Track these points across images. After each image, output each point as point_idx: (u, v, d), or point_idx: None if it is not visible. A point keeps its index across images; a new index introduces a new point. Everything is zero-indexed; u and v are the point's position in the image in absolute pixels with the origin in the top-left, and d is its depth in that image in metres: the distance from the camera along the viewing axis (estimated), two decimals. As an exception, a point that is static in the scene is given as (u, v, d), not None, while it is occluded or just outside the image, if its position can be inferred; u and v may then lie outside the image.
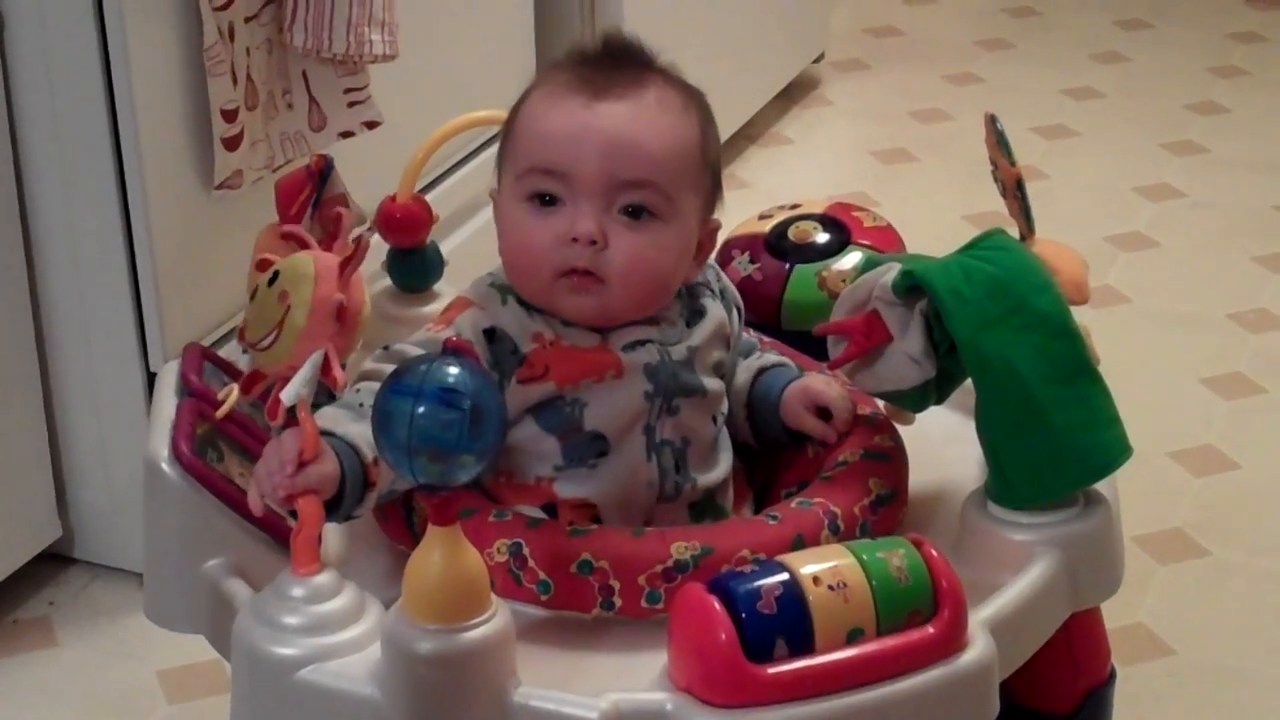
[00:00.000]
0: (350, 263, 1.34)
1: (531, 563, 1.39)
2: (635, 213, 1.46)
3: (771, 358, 1.61)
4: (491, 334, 1.47)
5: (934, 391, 1.49)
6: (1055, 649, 1.50)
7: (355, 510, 1.38)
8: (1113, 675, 1.64)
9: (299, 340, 1.31)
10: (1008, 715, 1.50)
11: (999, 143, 1.59)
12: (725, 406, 1.55)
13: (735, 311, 1.58)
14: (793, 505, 1.44)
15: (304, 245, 1.38)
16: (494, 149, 2.33)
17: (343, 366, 1.41)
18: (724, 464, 1.53)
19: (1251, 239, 3.06)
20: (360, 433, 1.36)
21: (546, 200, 1.47)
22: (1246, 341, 2.74)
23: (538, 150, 1.47)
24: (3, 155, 1.98)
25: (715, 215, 1.54)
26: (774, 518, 1.42)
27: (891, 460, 1.50)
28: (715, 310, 1.54)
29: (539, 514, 1.45)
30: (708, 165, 1.52)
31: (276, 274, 1.35)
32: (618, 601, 1.38)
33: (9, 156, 1.99)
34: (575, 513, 1.46)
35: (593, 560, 1.38)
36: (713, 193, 1.54)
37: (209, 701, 2.00)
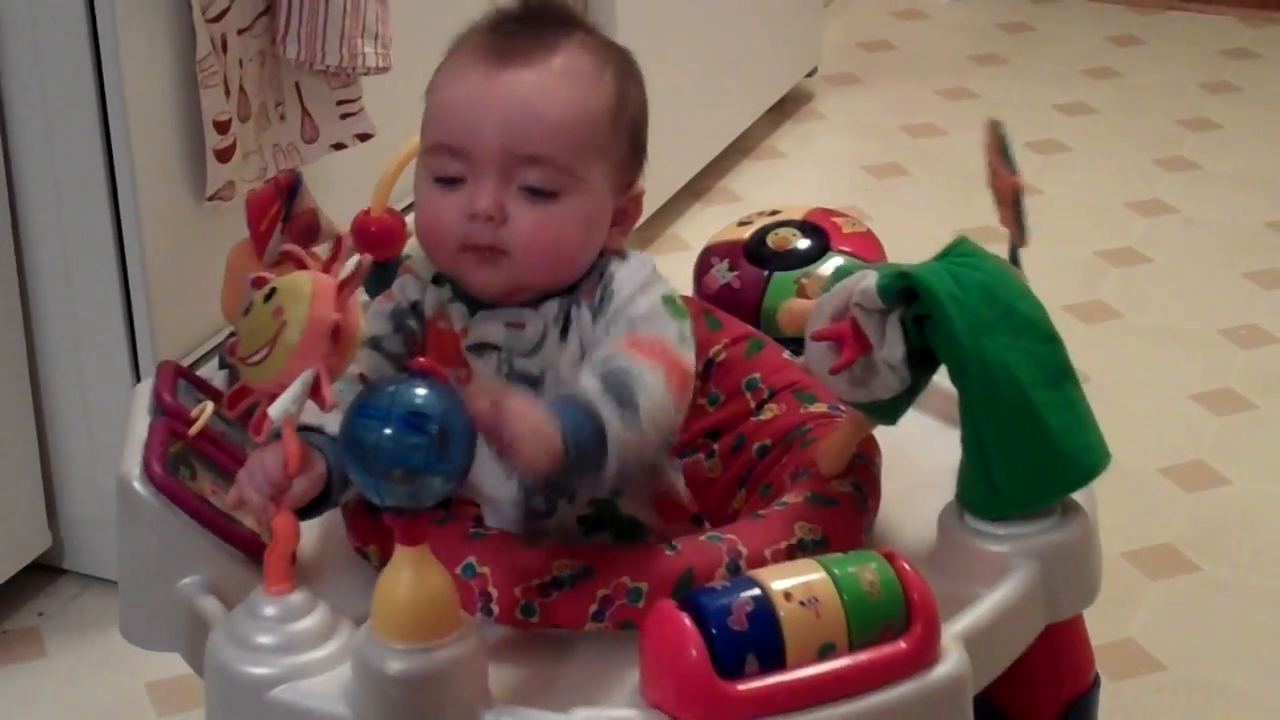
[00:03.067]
0: (349, 285, 1.34)
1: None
2: (533, 192, 1.44)
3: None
4: (415, 307, 1.50)
5: (905, 402, 1.49)
6: (1038, 657, 1.50)
7: (341, 499, 1.39)
8: (1096, 683, 1.63)
9: (290, 358, 1.31)
10: (989, 725, 1.51)
11: (1001, 150, 1.58)
12: None
13: (610, 310, 1.46)
14: (701, 538, 1.42)
15: (301, 265, 1.38)
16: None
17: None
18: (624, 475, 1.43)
19: (1243, 255, 3.06)
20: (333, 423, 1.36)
21: (450, 180, 1.45)
22: (1237, 357, 2.74)
23: (440, 127, 1.47)
24: (-5, 166, 1.98)
25: (639, 180, 1.51)
26: (673, 548, 1.40)
27: (836, 506, 1.47)
28: (583, 324, 1.47)
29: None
30: (621, 130, 1.48)
31: (274, 290, 1.35)
32: (495, 609, 1.38)
33: (1, 168, 1.99)
34: (461, 508, 1.47)
35: (476, 565, 1.39)
36: (631, 157, 1.50)
37: (198, 714, 1.98)
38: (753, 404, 1.63)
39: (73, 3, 1.90)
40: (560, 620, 1.38)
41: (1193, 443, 2.52)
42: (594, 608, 1.38)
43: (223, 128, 1.99)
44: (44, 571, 2.20)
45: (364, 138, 2.18)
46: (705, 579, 1.37)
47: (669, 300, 1.47)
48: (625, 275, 1.47)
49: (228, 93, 1.99)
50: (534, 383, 1.46)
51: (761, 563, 1.38)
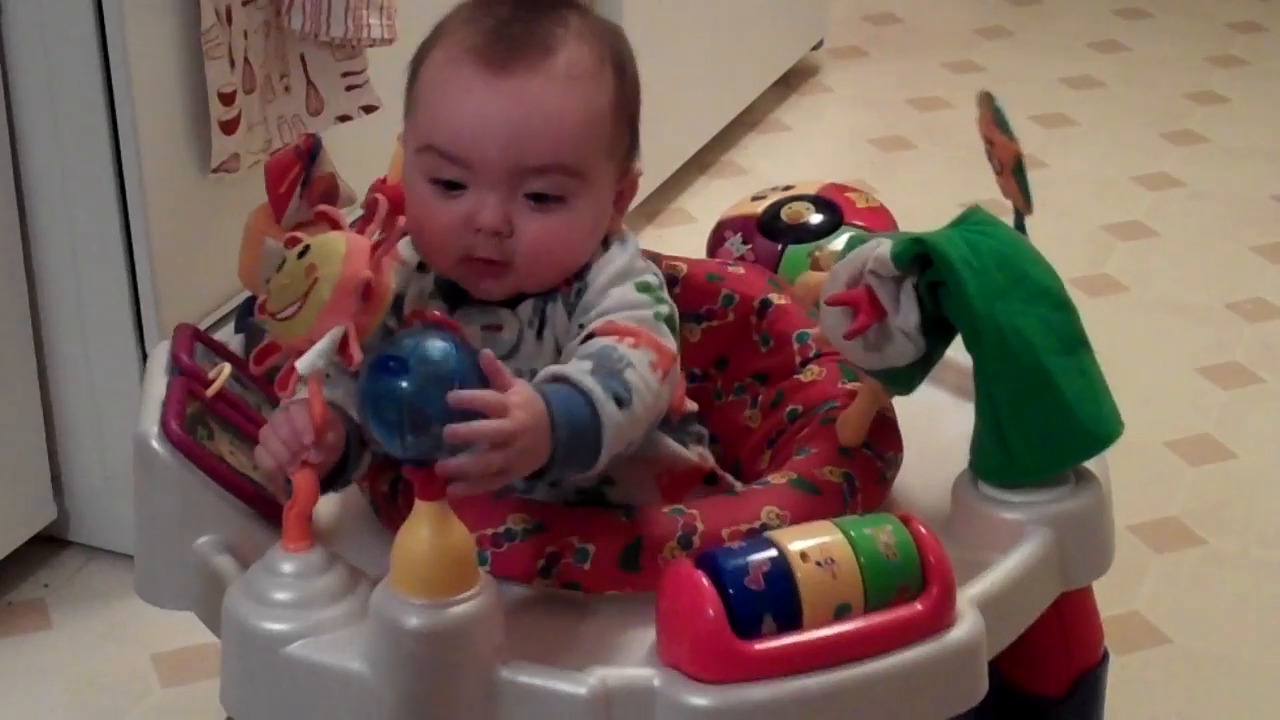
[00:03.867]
0: (382, 245, 1.34)
1: (400, 500, 1.42)
2: (540, 199, 1.41)
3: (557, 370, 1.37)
4: (397, 301, 1.45)
5: (920, 371, 1.48)
6: (1047, 630, 1.50)
7: (356, 474, 1.39)
8: (1105, 657, 1.63)
9: (321, 314, 1.31)
10: (1000, 697, 1.51)
11: (995, 120, 1.58)
12: None
13: (589, 301, 1.44)
14: (664, 510, 1.41)
15: (335, 225, 1.38)
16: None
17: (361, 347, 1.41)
18: (619, 463, 1.41)
19: (1250, 229, 3.05)
20: (345, 395, 1.36)
21: (448, 185, 1.41)
22: (1244, 331, 2.74)
23: (438, 131, 1.41)
24: (-1, 137, 1.98)
25: (637, 161, 1.49)
26: (630, 514, 1.39)
27: (817, 495, 1.44)
28: (558, 319, 1.44)
29: None
30: (622, 122, 1.46)
31: (307, 248, 1.35)
32: None
33: (5, 139, 1.99)
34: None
35: None
36: (631, 143, 1.48)
37: (203, 685, 2.00)
38: (798, 359, 1.62)
39: (77, -26, 1.90)
40: (510, 572, 1.38)
41: (1199, 416, 2.52)
42: (541, 563, 1.38)
43: (227, 99, 1.99)
44: (49, 543, 2.20)
45: (369, 109, 2.17)
46: (654, 549, 1.37)
47: (645, 287, 1.45)
48: (600, 265, 1.45)
49: (232, 64, 1.98)
50: None
51: (717, 541, 1.37)
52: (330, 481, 1.38)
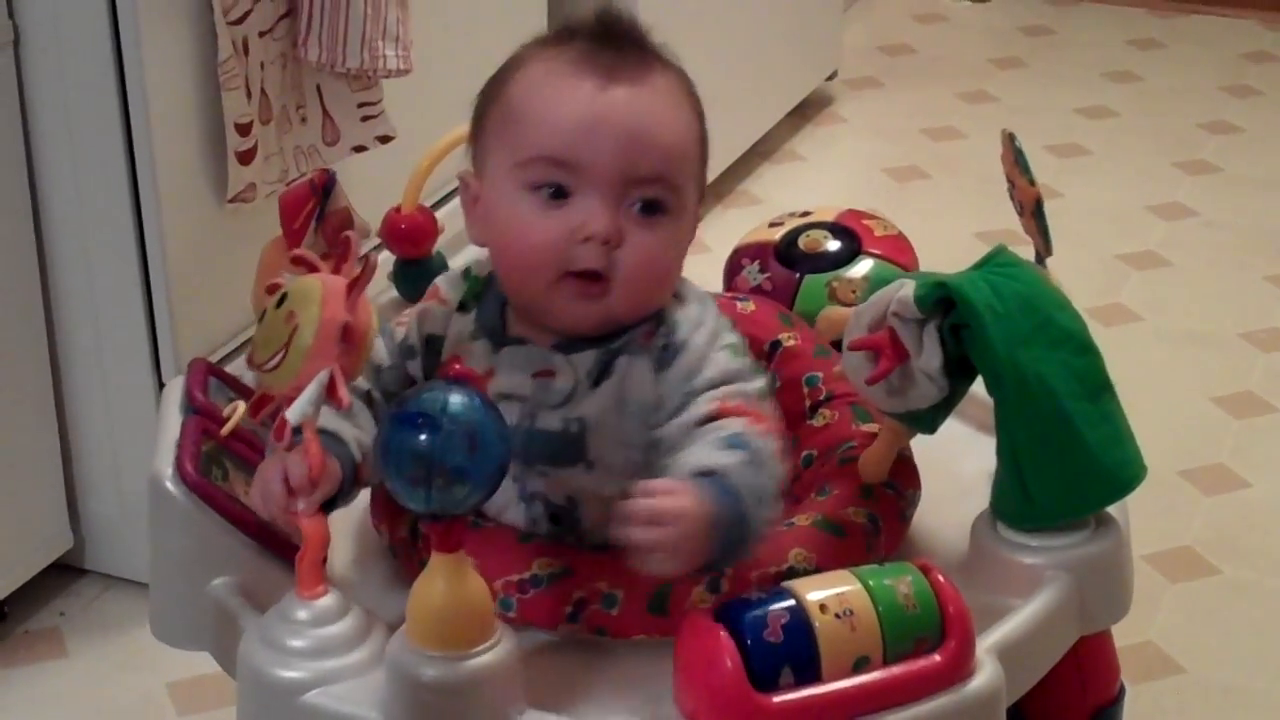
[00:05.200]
0: (357, 284, 1.34)
1: (421, 544, 1.42)
2: (649, 208, 1.39)
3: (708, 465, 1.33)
4: (429, 342, 1.45)
5: (943, 411, 1.48)
6: (1064, 667, 1.50)
7: (343, 504, 1.39)
8: (1121, 693, 1.63)
9: (305, 360, 1.32)
10: (1016, 735, 1.50)
11: (1017, 161, 1.58)
12: (639, 467, 1.39)
13: (682, 362, 1.41)
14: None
15: (312, 269, 1.39)
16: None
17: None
18: None
19: (1264, 258, 3.05)
20: (346, 427, 1.37)
21: (554, 193, 1.38)
22: (1258, 360, 2.74)
23: (547, 137, 1.38)
24: (17, 168, 1.99)
25: (698, 207, 1.48)
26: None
27: (843, 537, 1.43)
28: (636, 371, 1.41)
29: None
30: (703, 155, 1.46)
31: (285, 296, 1.36)
32: None
33: (23, 170, 1.99)
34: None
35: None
36: (704, 182, 1.47)
37: (219, 714, 2.00)
38: (808, 401, 1.61)
39: (95, 6, 1.91)
40: (535, 618, 1.38)
41: (1213, 446, 2.52)
42: (568, 609, 1.38)
43: (244, 130, 1.99)
44: (65, 571, 2.20)
45: (385, 140, 2.18)
46: (683, 594, 1.37)
47: (736, 350, 1.43)
48: (689, 322, 1.42)
49: (249, 95, 1.99)
50: (552, 439, 1.42)
51: (746, 585, 1.36)
52: (329, 506, 1.37)
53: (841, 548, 1.42)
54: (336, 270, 1.37)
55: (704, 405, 1.38)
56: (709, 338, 1.42)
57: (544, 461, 1.42)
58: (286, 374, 1.32)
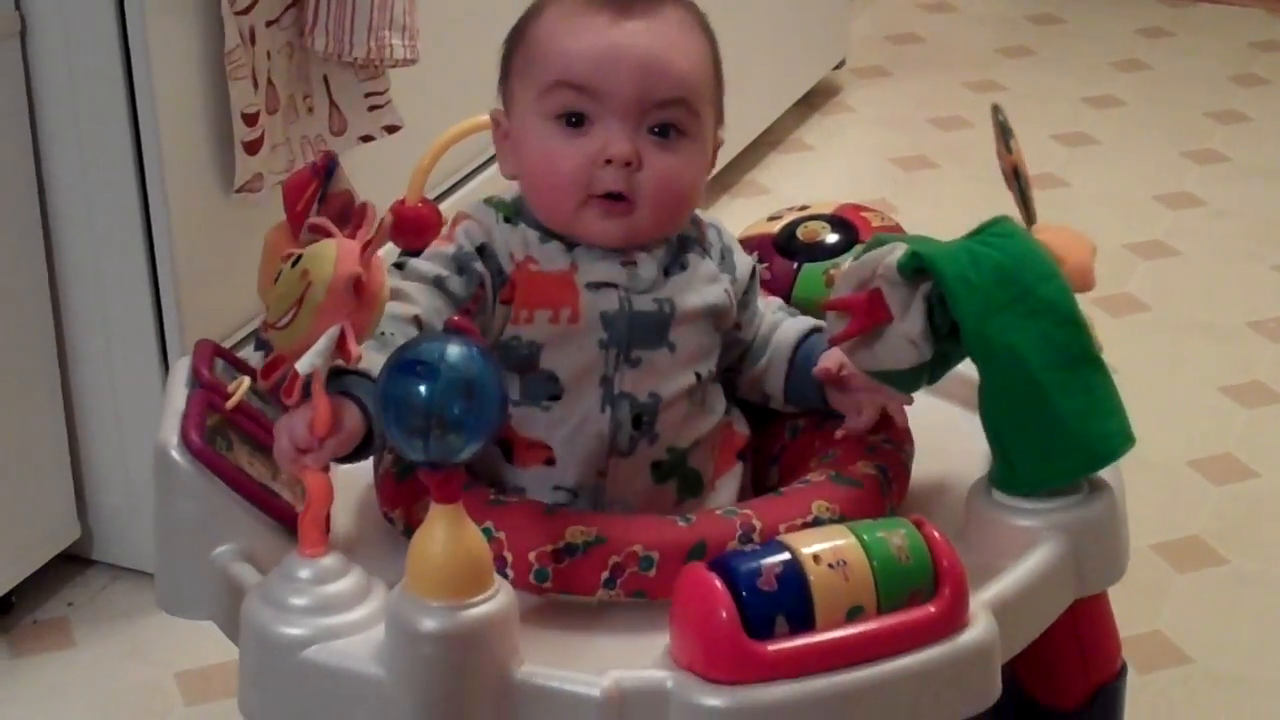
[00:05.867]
0: (371, 244, 1.35)
1: None
2: (665, 131, 1.47)
3: (814, 322, 1.59)
4: (482, 250, 1.49)
5: (927, 374, 1.49)
6: (1064, 643, 1.50)
7: (377, 448, 1.40)
8: (1123, 671, 1.63)
9: (317, 316, 1.32)
10: (1018, 711, 1.50)
11: (998, 132, 1.60)
12: (712, 365, 1.53)
13: (740, 271, 1.57)
14: (717, 512, 1.43)
15: (328, 234, 1.39)
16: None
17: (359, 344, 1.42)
18: (704, 427, 1.52)
19: (1272, 247, 3.05)
20: (380, 360, 1.36)
21: (574, 120, 1.47)
22: (1266, 350, 2.74)
23: (565, 66, 1.47)
24: (25, 158, 1.99)
25: (721, 130, 1.56)
26: (687, 520, 1.41)
27: (860, 488, 1.46)
28: (703, 268, 1.53)
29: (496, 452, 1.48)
30: (719, 80, 1.53)
31: (299, 257, 1.37)
32: (509, 573, 1.38)
33: (31, 160, 2.00)
34: (529, 452, 1.48)
35: (493, 529, 1.39)
36: (721, 109, 1.55)
37: (226, 703, 2.00)
38: None
39: (102, -5, 1.91)
40: (572, 586, 1.39)
41: (1221, 435, 2.52)
42: (605, 575, 1.39)
43: (251, 120, 1.99)
44: (73, 562, 2.21)
45: (392, 130, 2.18)
46: (718, 550, 1.38)
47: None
48: (726, 232, 1.58)
49: (256, 85, 1.99)
50: (648, 320, 1.49)
51: (772, 538, 1.38)
52: (357, 453, 1.38)
53: (860, 497, 1.45)
54: (351, 235, 1.37)
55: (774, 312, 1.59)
56: (737, 249, 1.58)
57: (640, 345, 1.48)
58: (299, 330, 1.33)
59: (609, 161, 1.46)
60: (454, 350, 1.25)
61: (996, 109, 1.61)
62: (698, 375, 1.51)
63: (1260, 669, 2.07)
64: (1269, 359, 2.71)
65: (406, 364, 1.25)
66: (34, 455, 2.09)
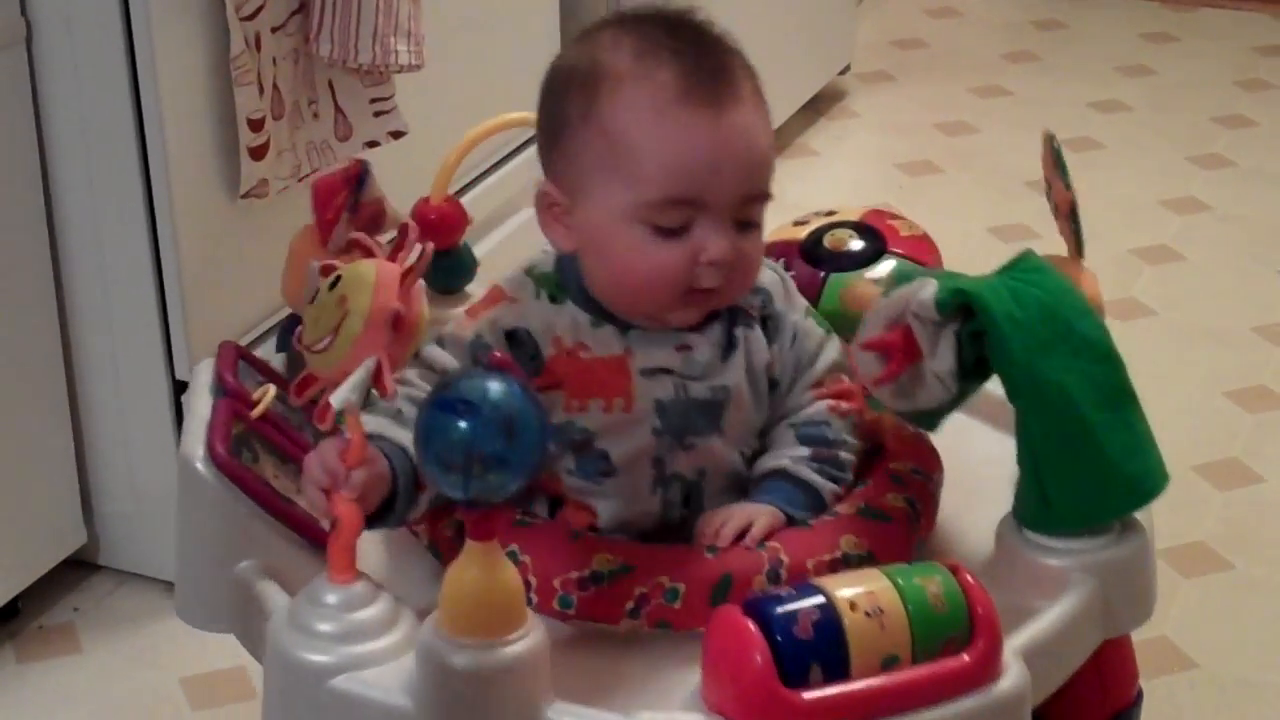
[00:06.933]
0: (412, 274, 1.34)
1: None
2: (750, 222, 1.44)
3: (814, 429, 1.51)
4: (512, 336, 1.45)
5: (947, 411, 1.48)
6: (1084, 670, 1.49)
7: (408, 514, 1.39)
8: (1139, 697, 1.63)
9: (354, 346, 1.32)
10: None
11: (1056, 164, 1.58)
12: (755, 441, 1.51)
13: (785, 335, 1.52)
14: (744, 546, 1.41)
15: (368, 253, 1.38)
16: (529, 153, 2.34)
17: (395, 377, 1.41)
18: (743, 489, 1.50)
19: (1277, 252, 3.05)
20: (408, 437, 1.35)
21: (679, 230, 1.42)
22: (1272, 355, 2.73)
23: (676, 182, 1.40)
24: (30, 164, 1.99)
25: None
26: (713, 551, 1.40)
27: (889, 522, 1.45)
28: (754, 342, 1.49)
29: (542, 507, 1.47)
30: None
31: (339, 278, 1.35)
32: (534, 597, 1.38)
33: (36, 166, 2.00)
34: (577, 514, 1.46)
35: (519, 553, 1.38)
36: None
37: (232, 709, 2.00)
38: None
39: (107, 2, 1.91)
40: (596, 614, 1.38)
41: (1226, 440, 2.52)
42: (630, 605, 1.38)
43: (256, 126, 1.99)
44: (79, 567, 2.21)
45: (397, 135, 2.18)
46: (744, 584, 1.37)
47: (808, 310, 1.55)
48: (775, 289, 1.52)
49: (261, 91, 1.99)
50: (703, 408, 1.46)
51: (803, 573, 1.38)
52: (379, 517, 1.37)
53: (888, 532, 1.44)
54: (392, 258, 1.36)
55: (808, 397, 1.52)
56: (788, 302, 1.53)
57: (694, 432, 1.46)
58: (334, 358, 1.32)
59: (711, 263, 1.41)
60: (495, 387, 1.22)
61: (1051, 137, 1.58)
62: (742, 454, 1.49)
63: (1266, 673, 2.07)
64: (1275, 364, 2.71)
65: (447, 401, 1.22)
66: (40, 461, 2.09)
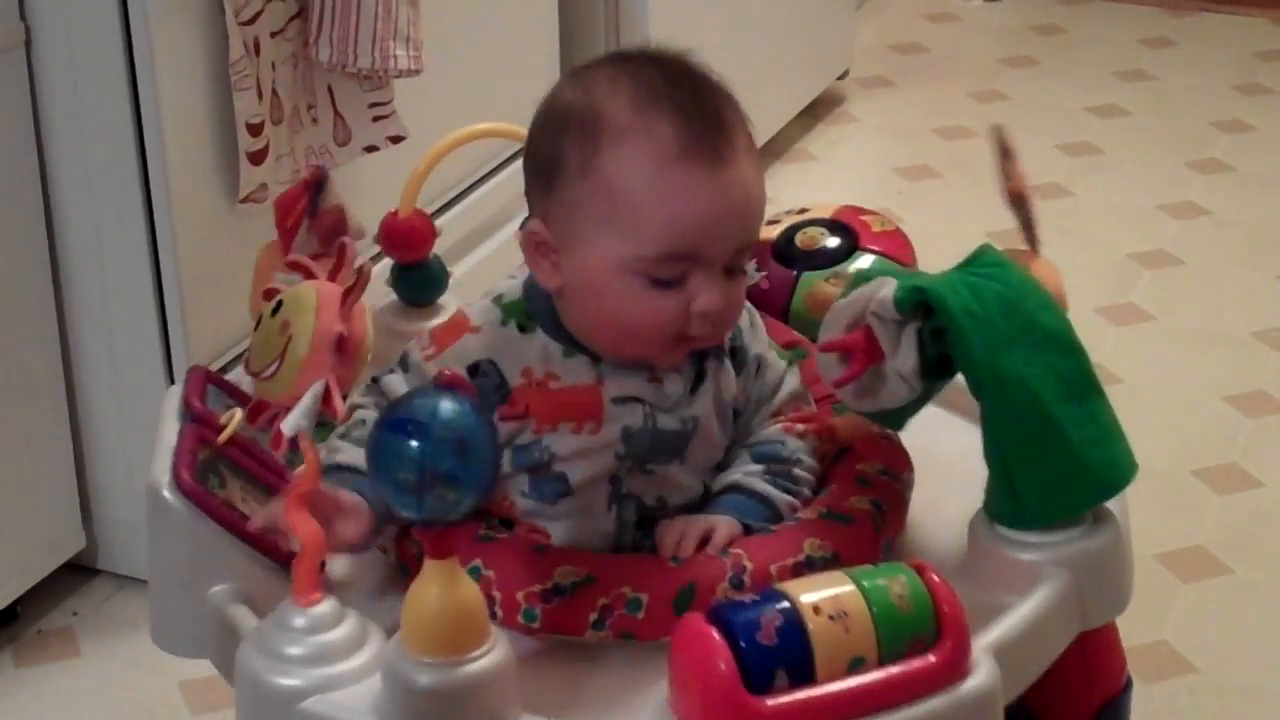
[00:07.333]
0: (352, 294, 1.33)
1: None
2: (738, 269, 1.44)
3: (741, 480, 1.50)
4: (475, 370, 1.44)
5: (912, 410, 1.48)
6: (1070, 660, 1.49)
7: (380, 539, 1.41)
8: (1128, 686, 1.63)
9: (300, 371, 1.31)
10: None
11: (1005, 156, 1.59)
12: (716, 466, 1.51)
13: (750, 366, 1.52)
14: (707, 550, 1.41)
15: (308, 275, 1.38)
16: (510, 170, 2.34)
17: (344, 398, 1.41)
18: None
19: (1276, 257, 3.05)
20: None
21: (674, 281, 1.42)
22: (1271, 360, 2.73)
23: (674, 238, 1.40)
24: (30, 169, 1.99)
25: None
26: (677, 560, 1.40)
27: (851, 524, 1.44)
28: (724, 374, 1.49)
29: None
30: None
31: (280, 303, 1.35)
32: (498, 612, 1.38)
33: (35, 170, 2.00)
34: (530, 536, 1.46)
35: (481, 568, 1.38)
36: None
37: (230, 713, 1.99)
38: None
39: (106, 6, 1.91)
40: (560, 627, 1.38)
41: (1225, 445, 2.52)
42: (594, 616, 1.37)
43: (255, 130, 2.00)
44: (78, 572, 2.21)
45: (396, 140, 2.18)
46: (708, 592, 1.37)
47: (771, 345, 1.55)
48: (741, 322, 1.51)
49: (260, 95, 2.00)
50: (670, 438, 1.46)
51: (767, 578, 1.37)
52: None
53: (852, 534, 1.43)
54: (332, 277, 1.36)
55: (766, 424, 1.52)
56: (754, 335, 1.53)
57: (657, 460, 1.46)
58: (282, 384, 1.32)
59: (704, 314, 1.41)
60: (446, 406, 1.22)
61: (998, 130, 1.58)
62: (705, 483, 1.49)
63: (1266, 678, 2.07)
64: (1273, 369, 2.71)
65: (398, 421, 1.22)
66: (39, 465, 2.10)
